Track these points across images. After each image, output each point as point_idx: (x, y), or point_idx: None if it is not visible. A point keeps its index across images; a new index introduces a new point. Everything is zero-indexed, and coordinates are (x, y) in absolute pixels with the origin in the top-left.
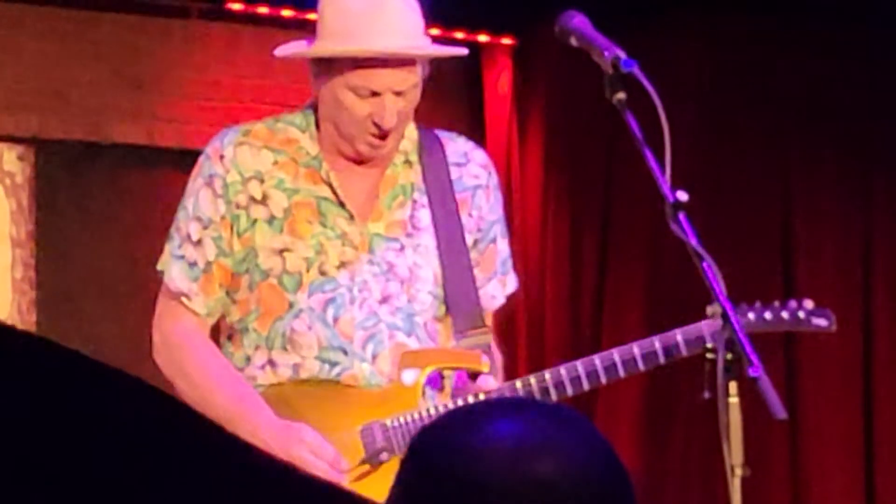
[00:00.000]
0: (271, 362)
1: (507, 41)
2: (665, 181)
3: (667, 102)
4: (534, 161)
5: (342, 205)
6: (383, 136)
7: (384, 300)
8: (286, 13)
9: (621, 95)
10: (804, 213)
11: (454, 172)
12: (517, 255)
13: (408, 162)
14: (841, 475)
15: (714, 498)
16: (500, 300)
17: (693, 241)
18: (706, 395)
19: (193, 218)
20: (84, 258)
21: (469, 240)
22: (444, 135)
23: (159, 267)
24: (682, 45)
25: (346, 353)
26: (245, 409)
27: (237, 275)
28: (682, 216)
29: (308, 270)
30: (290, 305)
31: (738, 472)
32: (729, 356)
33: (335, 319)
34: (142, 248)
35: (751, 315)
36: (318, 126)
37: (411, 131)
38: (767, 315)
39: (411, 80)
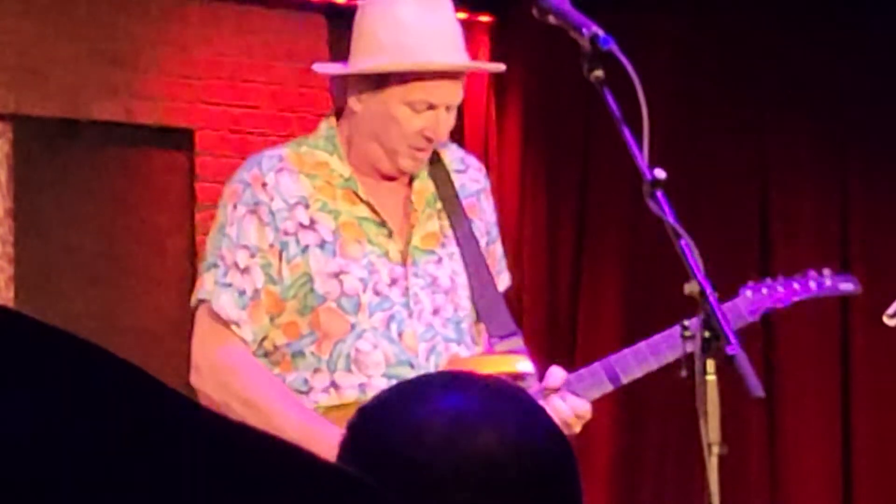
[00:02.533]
0: (335, 385)
1: (484, 18)
2: (643, 159)
3: (644, 80)
4: (511, 139)
5: (382, 223)
6: (431, 143)
7: (435, 312)
8: None
9: (599, 73)
10: (781, 191)
11: (457, 180)
12: None
13: (427, 173)
14: (818, 453)
15: (691, 476)
16: None
17: (670, 219)
18: (683, 373)
19: (239, 246)
20: (62, 235)
21: (481, 243)
22: (438, 146)
23: (201, 296)
24: (659, 23)
25: (412, 366)
26: (318, 428)
27: (284, 301)
28: (659, 194)
29: (365, 291)
30: (353, 327)
31: (716, 450)
32: (706, 334)
33: (400, 335)
34: (120, 224)
35: (779, 287)
36: (345, 145)
37: None
38: (796, 285)
39: (462, 94)
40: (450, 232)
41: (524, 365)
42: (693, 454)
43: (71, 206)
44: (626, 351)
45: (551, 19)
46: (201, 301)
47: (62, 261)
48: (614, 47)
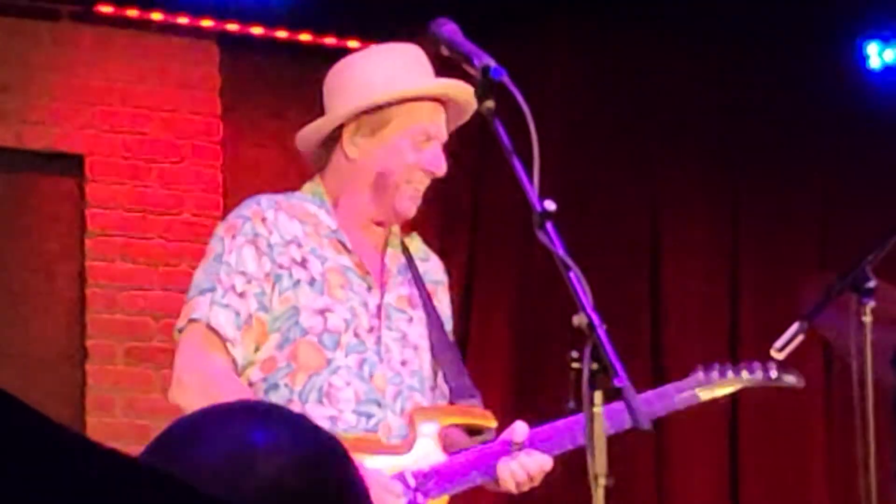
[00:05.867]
0: None
1: (353, 44)
2: (533, 190)
3: (536, 111)
4: None
5: (364, 276)
6: (430, 178)
7: (403, 363)
8: (156, 16)
9: (490, 104)
10: (671, 222)
11: (420, 266)
12: None
13: (400, 245)
14: (706, 484)
15: None
16: None
17: (560, 251)
18: (571, 405)
19: (237, 272)
20: None
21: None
22: (404, 236)
23: (193, 317)
24: (551, 54)
25: (380, 405)
26: None
27: (269, 332)
28: (549, 225)
29: (346, 331)
30: (329, 362)
31: (602, 482)
32: (594, 366)
33: (370, 376)
34: (9, 250)
35: (730, 373)
36: (331, 202)
37: None
38: (744, 375)
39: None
40: (419, 301)
41: (490, 420)
42: (583, 485)
43: None
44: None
45: (444, 50)
46: (192, 321)
47: None
48: (506, 78)
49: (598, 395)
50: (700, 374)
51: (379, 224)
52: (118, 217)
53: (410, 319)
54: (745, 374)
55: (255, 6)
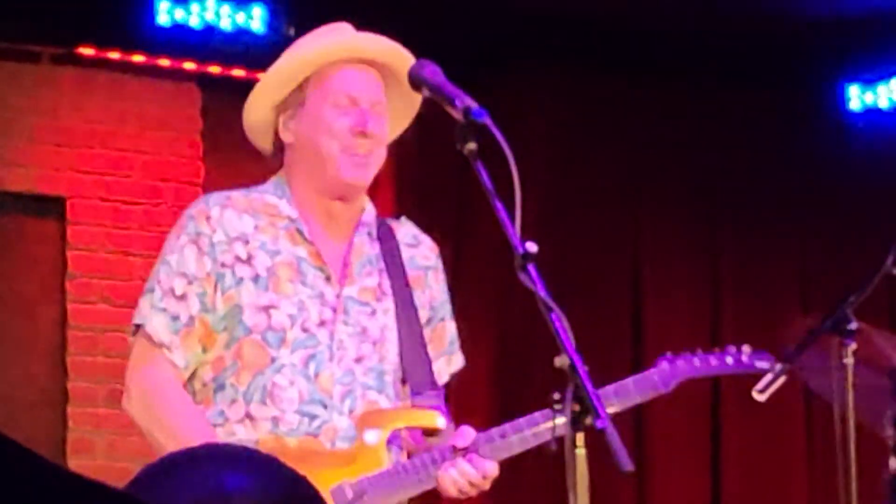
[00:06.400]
0: (249, 416)
1: None
2: (514, 232)
3: (519, 152)
4: (383, 212)
5: (321, 267)
6: (365, 138)
7: (358, 360)
8: (137, 59)
9: (472, 146)
10: (653, 263)
11: (406, 252)
12: None
13: (370, 234)
14: None
15: None
16: (445, 378)
17: (541, 292)
18: (553, 446)
19: (178, 273)
20: None
21: (422, 316)
22: (391, 221)
23: (137, 321)
24: (533, 96)
25: (325, 406)
26: None
27: (215, 332)
28: (531, 267)
29: (292, 327)
30: (273, 360)
31: None
32: (576, 407)
33: (316, 375)
34: None
35: (696, 361)
36: (291, 191)
37: (370, 208)
38: (713, 361)
39: (384, 101)
40: (389, 291)
41: (438, 420)
42: None
43: None
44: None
45: (425, 91)
46: (137, 327)
47: None
48: (488, 120)
49: (579, 437)
50: (664, 364)
51: (342, 199)
52: (99, 259)
53: (373, 312)
54: (713, 360)
55: (237, 48)
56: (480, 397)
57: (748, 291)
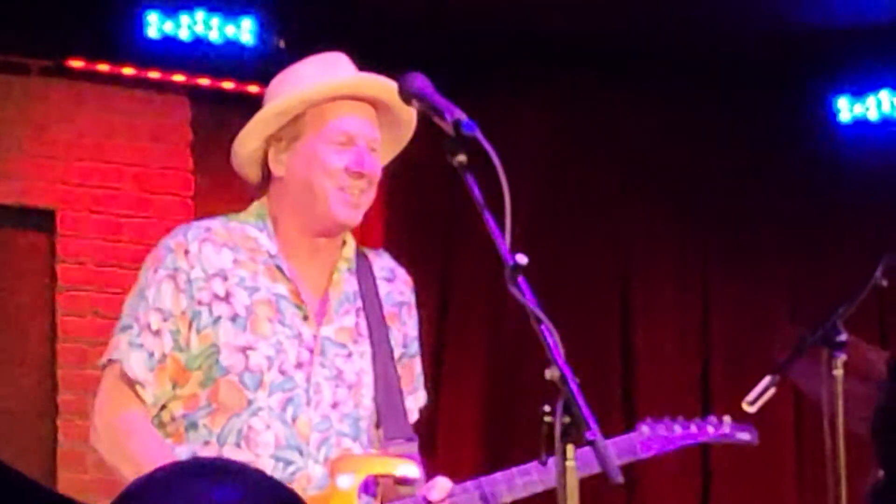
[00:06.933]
0: None
1: None
2: (505, 244)
3: (508, 164)
4: (373, 225)
5: (299, 305)
6: (360, 178)
7: (334, 405)
8: (127, 71)
9: (462, 158)
10: (642, 276)
11: (383, 287)
12: None
13: (350, 270)
14: None
15: None
16: (415, 415)
17: (532, 304)
18: (544, 458)
19: (154, 308)
20: None
21: (396, 353)
22: (368, 250)
23: (112, 356)
24: (523, 109)
25: (301, 453)
26: None
27: (188, 370)
28: (521, 279)
29: (269, 369)
30: (249, 403)
31: None
32: (566, 419)
33: (293, 419)
34: None
35: (677, 428)
36: (273, 224)
37: (351, 241)
38: (693, 428)
39: (378, 140)
40: (366, 331)
41: (411, 470)
42: None
43: None
44: (497, 474)
45: (415, 104)
46: (111, 361)
47: None
48: (477, 132)
49: (570, 449)
50: (644, 428)
51: (326, 236)
52: (89, 272)
53: (349, 355)
54: (693, 428)
55: (226, 61)
56: (470, 409)
57: (738, 307)
